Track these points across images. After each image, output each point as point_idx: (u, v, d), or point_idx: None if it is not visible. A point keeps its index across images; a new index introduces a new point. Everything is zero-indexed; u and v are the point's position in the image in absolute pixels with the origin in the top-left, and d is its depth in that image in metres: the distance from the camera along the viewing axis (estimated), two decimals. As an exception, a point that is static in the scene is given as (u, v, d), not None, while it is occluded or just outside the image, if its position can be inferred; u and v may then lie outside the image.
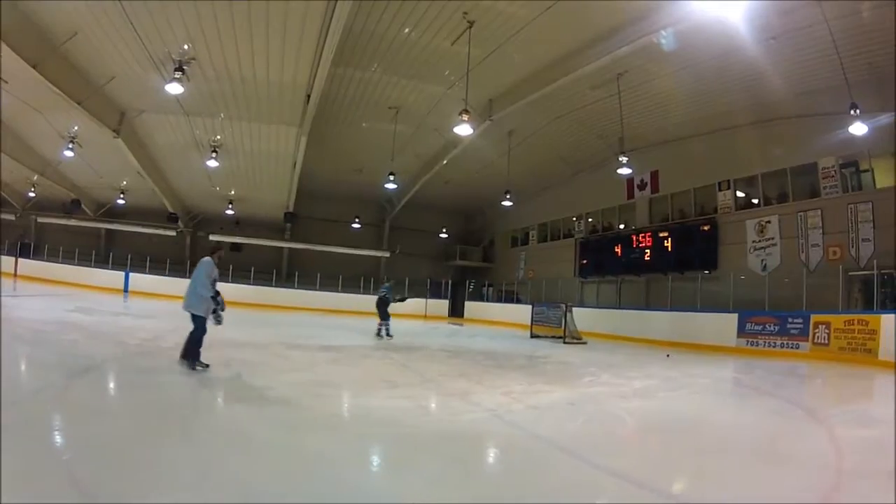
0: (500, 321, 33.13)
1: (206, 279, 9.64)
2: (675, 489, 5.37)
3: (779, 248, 21.85)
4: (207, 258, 9.94)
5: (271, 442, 5.86)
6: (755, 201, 23.52)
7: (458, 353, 17.10)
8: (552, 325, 24.06)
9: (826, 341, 16.96)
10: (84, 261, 37.26)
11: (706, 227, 24.91)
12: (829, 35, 15.86)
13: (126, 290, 33.96)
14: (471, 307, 39.57)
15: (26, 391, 7.13)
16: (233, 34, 17.90)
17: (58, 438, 5.38)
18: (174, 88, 19.05)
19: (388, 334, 19.43)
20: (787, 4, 15.26)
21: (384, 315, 19.98)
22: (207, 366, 9.63)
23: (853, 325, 16.35)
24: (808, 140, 20.50)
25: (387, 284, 21.87)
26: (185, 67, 18.83)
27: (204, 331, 9.66)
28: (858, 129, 16.52)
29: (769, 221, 22.29)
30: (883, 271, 17.93)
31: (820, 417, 8.64)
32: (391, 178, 27.76)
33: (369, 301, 36.54)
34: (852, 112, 16.15)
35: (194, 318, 9.63)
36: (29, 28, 17.64)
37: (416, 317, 35.97)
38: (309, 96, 21.44)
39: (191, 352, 9.56)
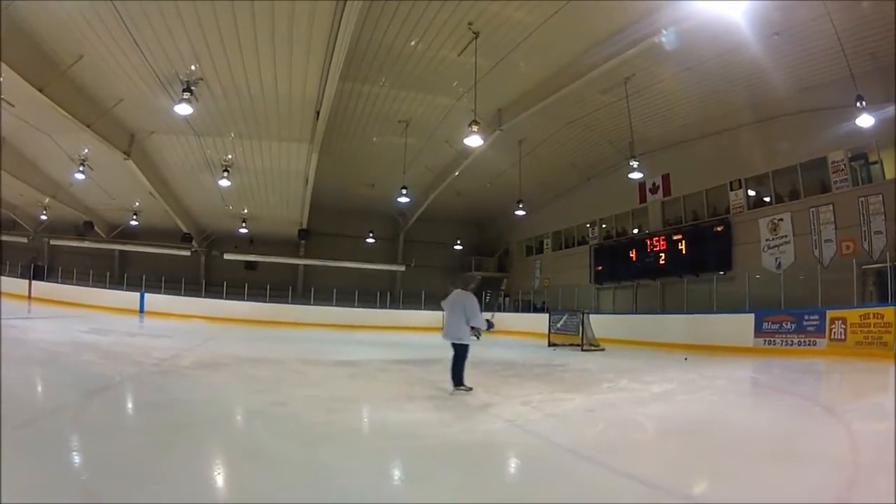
0: (517, 331, 32.92)
1: (479, 310, 10.98)
2: (695, 491, 5.32)
3: (792, 245, 21.83)
4: (469, 292, 11.33)
5: (288, 457, 5.84)
6: (767, 199, 23.50)
7: (476, 364, 16.94)
8: (569, 332, 23.97)
9: (843, 337, 16.85)
10: (98, 282, 37.55)
11: (719, 228, 24.89)
12: (831, 28, 15.90)
13: (142, 310, 34.10)
14: (487, 318, 39.09)
15: (43, 411, 7.15)
16: (239, 52, 18.00)
17: (76, 457, 5.38)
18: (183, 109, 19.14)
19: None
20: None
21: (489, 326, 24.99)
22: (471, 388, 10.43)
23: (869, 319, 16.28)
24: (817, 135, 20.49)
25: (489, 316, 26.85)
26: (192, 88, 18.93)
27: (466, 356, 10.70)
28: (865, 120, 16.54)
29: (782, 219, 22.26)
30: (896, 263, 17.84)
31: (837, 413, 8.57)
32: (403, 191, 27.66)
33: (385, 316, 36.86)
34: (858, 104, 16.17)
35: (458, 346, 10.71)
36: (34, 52, 17.73)
37: (434, 329, 35.86)
38: (318, 112, 21.50)
39: (458, 376, 10.50)
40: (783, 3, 15.33)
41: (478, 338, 11.24)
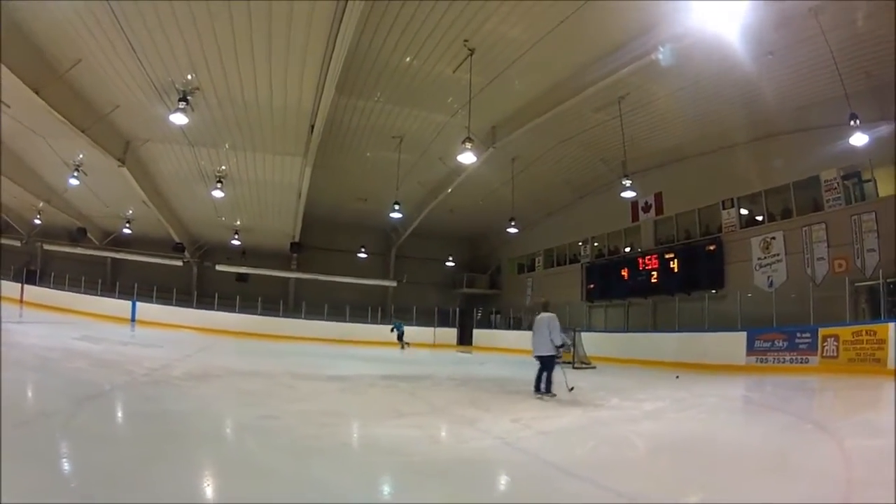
0: (509, 348, 32.89)
1: (561, 330, 12.78)
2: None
3: (784, 263, 21.91)
4: (552, 314, 13.00)
5: (278, 470, 5.81)
6: (759, 218, 23.61)
7: (467, 381, 17.06)
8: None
9: (835, 354, 16.89)
10: (90, 289, 37.48)
11: (712, 247, 24.95)
12: (825, 47, 16.03)
13: (133, 318, 33.98)
14: (479, 335, 39.25)
15: (33, 417, 7.08)
16: (236, 64, 17.96)
17: (65, 465, 5.34)
18: (178, 119, 19.01)
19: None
20: (784, 16, 15.29)
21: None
22: (555, 395, 12.23)
23: (861, 335, 16.29)
24: (810, 153, 20.62)
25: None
26: (189, 98, 18.87)
27: (554, 367, 12.58)
28: (859, 139, 16.61)
29: (774, 238, 22.35)
30: (889, 280, 17.92)
31: (830, 430, 8.56)
32: (396, 206, 27.44)
33: (376, 331, 36.69)
34: (852, 123, 16.23)
35: (547, 358, 12.54)
36: (32, 54, 17.57)
37: (425, 345, 35.86)
38: (313, 126, 21.50)
39: (549, 385, 12.38)
40: (777, 21, 15.41)
41: (558, 356, 12.87)
